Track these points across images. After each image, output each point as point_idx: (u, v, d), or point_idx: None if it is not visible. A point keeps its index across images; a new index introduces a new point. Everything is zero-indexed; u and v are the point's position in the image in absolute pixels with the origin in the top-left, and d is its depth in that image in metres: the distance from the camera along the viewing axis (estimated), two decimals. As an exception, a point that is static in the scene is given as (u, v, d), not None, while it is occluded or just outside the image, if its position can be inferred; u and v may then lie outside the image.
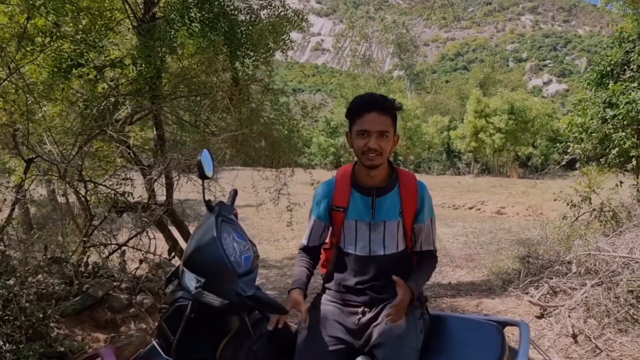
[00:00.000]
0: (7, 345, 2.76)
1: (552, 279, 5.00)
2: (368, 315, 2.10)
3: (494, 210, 14.23)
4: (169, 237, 5.65)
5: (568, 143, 8.83)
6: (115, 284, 3.75)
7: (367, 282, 2.15)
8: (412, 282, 2.05)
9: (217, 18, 4.66)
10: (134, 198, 4.88)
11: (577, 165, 8.42)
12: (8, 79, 3.55)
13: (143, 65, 4.57)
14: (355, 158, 2.18)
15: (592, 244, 5.10)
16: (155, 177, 4.51)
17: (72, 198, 5.04)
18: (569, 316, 4.31)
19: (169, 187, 5.34)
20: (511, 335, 3.24)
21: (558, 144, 10.05)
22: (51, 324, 3.13)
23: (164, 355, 1.87)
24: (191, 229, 5.47)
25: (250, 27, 4.93)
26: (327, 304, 2.18)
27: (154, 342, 1.96)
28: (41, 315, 2.99)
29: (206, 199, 2.15)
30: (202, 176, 2.14)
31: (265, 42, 4.79)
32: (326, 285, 2.29)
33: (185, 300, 1.90)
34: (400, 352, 1.92)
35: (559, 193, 6.48)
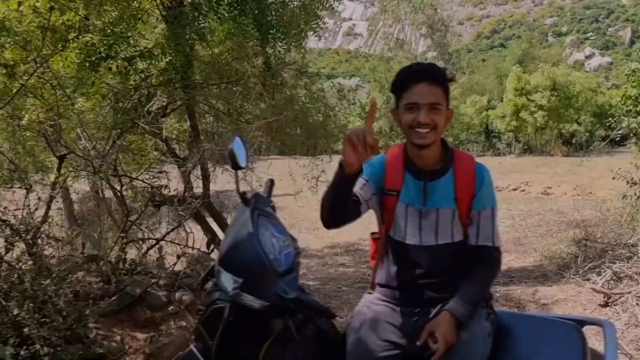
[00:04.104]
0: (45, 348, 2.66)
1: (614, 263, 4.63)
2: (426, 317, 1.85)
3: (539, 190, 13.58)
4: (207, 230, 5.54)
5: (622, 117, 8.26)
6: (153, 280, 3.63)
7: (421, 276, 1.90)
8: (453, 303, 1.75)
9: (245, 0, 4.45)
10: (169, 191, 4.78)
11: (633, 139, 7.89)
12: (35, 73, 3.44)
13: (172, 54, 4.43)
14: (403, 140, 1.94)
15: (659, 225, 4.71)
16: (189, 170, 4.37)
17: (110, 193, 4.99)
18: (637, 304, 3.96)
19: (205, 179, 5.23)
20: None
21: (610, 119, 9.47)
22: (89, 325, 3.03)
23: None
24: (229, 221, 5.36)
25: (280, 9, 4.71)
26: (378, 304, 1.95)
27: (192, 346, 1.82)
28: (78, 316, 2.88)
29: (240, 190, 1.98)
30: (235, 166, 1.97)
31: (297, 22, 4.56)
32: (376, 281, 2.05)
33: (222, 302, 1.75)
34: None
35: (617, 170, 6.02)
